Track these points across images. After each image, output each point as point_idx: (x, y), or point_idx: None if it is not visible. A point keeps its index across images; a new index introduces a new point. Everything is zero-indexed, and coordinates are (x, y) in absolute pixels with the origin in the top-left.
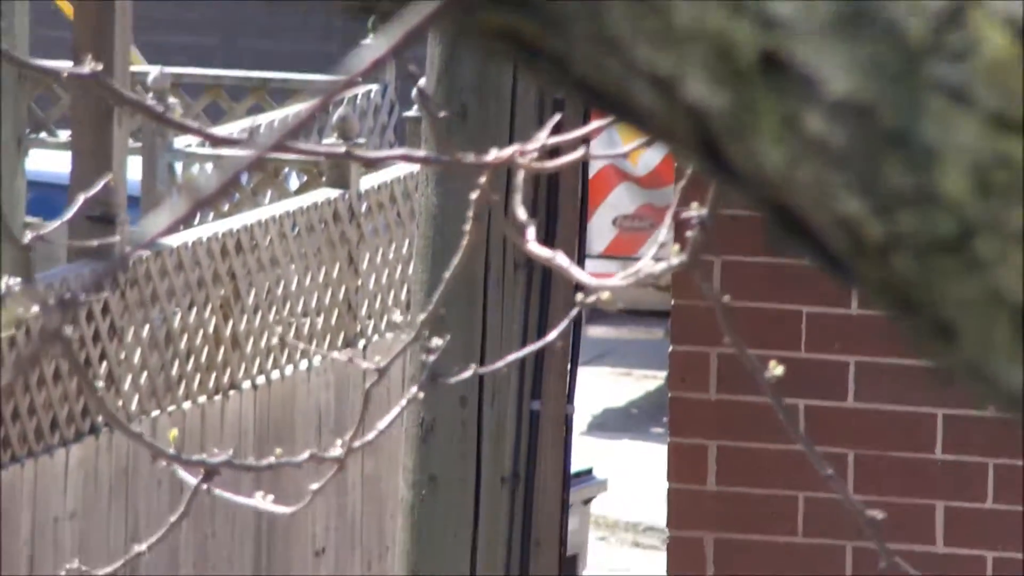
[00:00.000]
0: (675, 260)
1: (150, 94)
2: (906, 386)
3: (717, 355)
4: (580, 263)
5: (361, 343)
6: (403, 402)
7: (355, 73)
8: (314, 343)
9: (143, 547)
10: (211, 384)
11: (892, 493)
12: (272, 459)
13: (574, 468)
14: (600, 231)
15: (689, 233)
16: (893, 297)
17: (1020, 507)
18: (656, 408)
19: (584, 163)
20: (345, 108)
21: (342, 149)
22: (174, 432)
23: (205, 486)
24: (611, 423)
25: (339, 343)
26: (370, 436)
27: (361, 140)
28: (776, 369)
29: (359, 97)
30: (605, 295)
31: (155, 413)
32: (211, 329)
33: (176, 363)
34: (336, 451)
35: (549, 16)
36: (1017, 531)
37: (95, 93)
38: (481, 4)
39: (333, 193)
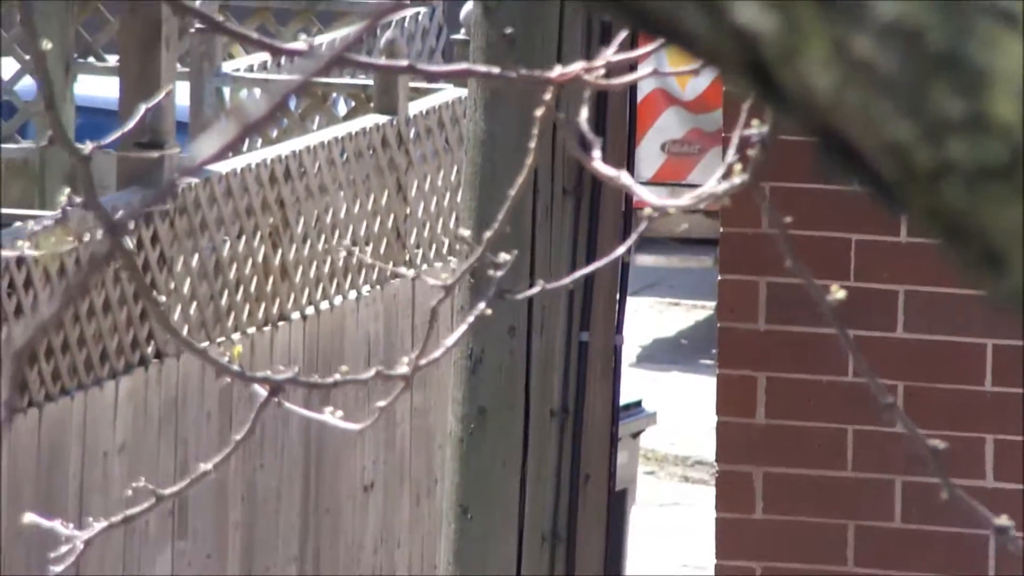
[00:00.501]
0: (737, 180)
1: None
2: (956, 316)
3: (766, 284)
4: (627, 201)
5: (411, 272)
6: (469, 318)
7: None
8: (363, 272)
9: (208, 466)
10: (260, 315)
11: (941, 427)
12: (336, 376)
13: (623, 400)
14: (648, 156)
15: (750, 152)
16: (942, 225)
17: None
18: (705, 339)
19: (632, 87)
20: (393, 31)
21: (403, 63)
22: (238, 348)
23: (275, 400)
24: (660, 354)
25: (388, 272)
26: (437, 354)
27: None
28: (838, 293)
29: (407, 20)
30: (671, 212)
31: (204, 344)
32: (260, 258)
33: (225, 294)
34: (402, 369)
35: None
36: None
37: (146, 16)
38: None
39: (381, 119)
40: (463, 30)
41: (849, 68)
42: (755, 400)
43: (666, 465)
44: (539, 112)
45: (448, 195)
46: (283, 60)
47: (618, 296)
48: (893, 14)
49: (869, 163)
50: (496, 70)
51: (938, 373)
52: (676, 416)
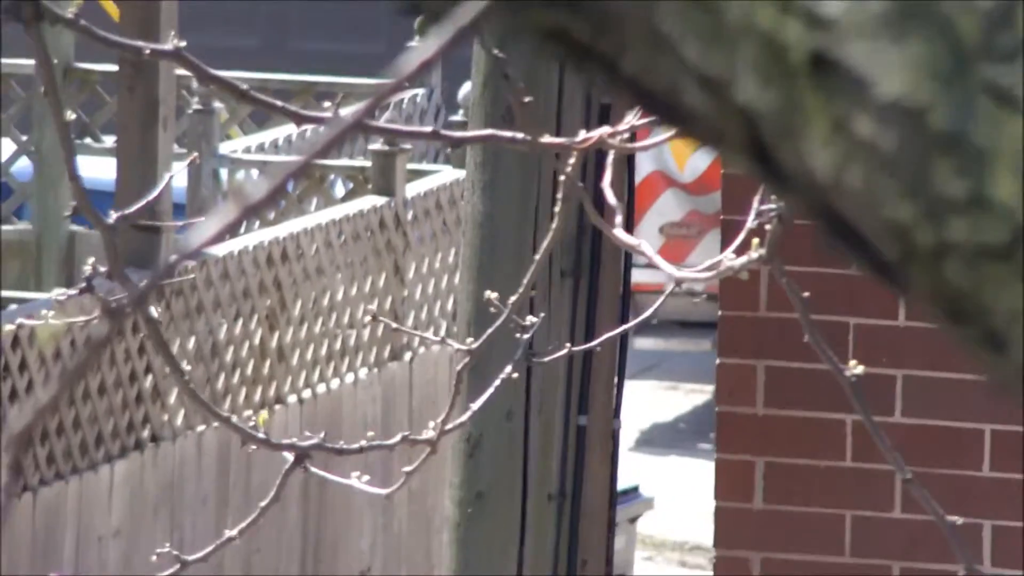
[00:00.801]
0: (755, 254)
1: (195, 98)
2: (954, 400)
3: (764, 368)
4: (627, 268)
5: (407, 355)
6: (496, 382)
7: (403, 75)
8: (360, 355)
9: (234, 532)
10: (257, 398)
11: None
12: (363, 442)
13: (620, 485)
14: (647, 238)
15: (768, 227)
16: (943, 305)
17: None
18: (704, 423)
19: (631, 166)
20: (391, 112)
21: (427, 129)
22: (264, 416)
23: (303, 467)
24: (658, 438)
25: (386, 355)
26: (463, 418)
27: (407, 146)
28: (856, 368)
29: (405, 101)
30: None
31: (200, 428)
32: (257, 341)
33: (222, 376)
34: (428, 433)
35: (599, 16)
36: None
37: (144, 96)
38: (530, 3)
39: (379, 200)
40: (461, 111)
41: (850, 147)
42: (753, 485)
43: (664, 550)
44: (562, 177)
45: (446, 277)
46: (281, 141)
47: (616, 379)
48: (894, 93)
49: (870, 243)
50: (520, 135)
51: (936, 458)
52: (674, 501)
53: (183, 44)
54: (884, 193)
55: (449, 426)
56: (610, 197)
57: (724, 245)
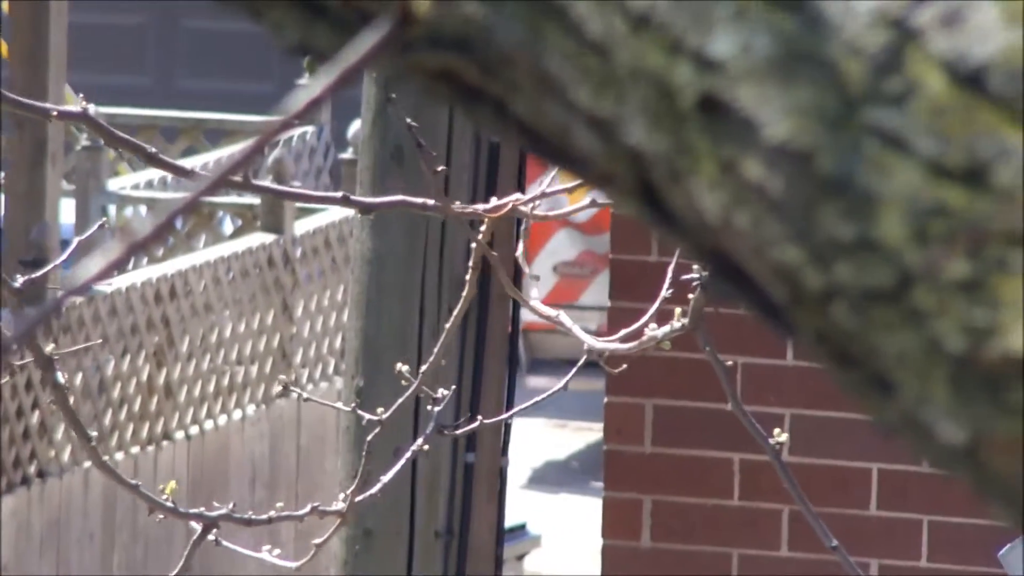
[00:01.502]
0: (677, 323)
1: (83, 134)
2: (841, 440)
3: (652, 407)
4: (515, 309)
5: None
6: (407, 454)
7: (292, 114)
8: (248, 392)
9: None
10: (144, 434)
11: (827, 551)
12: (272, 513)
13: (508, 523)
14: (541, 277)
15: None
16: (831, 348)
17: (955, 566)
18: (596, 462)
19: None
20: (280, 150)
21: (338, 195)
22: (172, 484)
23: (212, 537)
24: (547, 476)
25: (274, 392)
26: (374, 489)
27: (296, 183)
28: (781, 436)
29: (295, 139)
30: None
31: (87, 464)
32: (144, 377)
33: (109, 412)
34: (339, 505)
35: (488, 58)
36: None
37: (32, 134)
38: (420, 45)
39: (268, 238)
40: (351, 149)
41: (738, 190)
42: (641, 523)
43: None
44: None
45: (335, 314)
46: (170, 178)
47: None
48: (781, 136)
49: (758, 285)
50: (430, 201)
51: (824, 497)
52: (563, 538)
53: (91, 107)
54: (772, 236)
55: (359, 497)
56: (524, 267)
57: (613, 285)
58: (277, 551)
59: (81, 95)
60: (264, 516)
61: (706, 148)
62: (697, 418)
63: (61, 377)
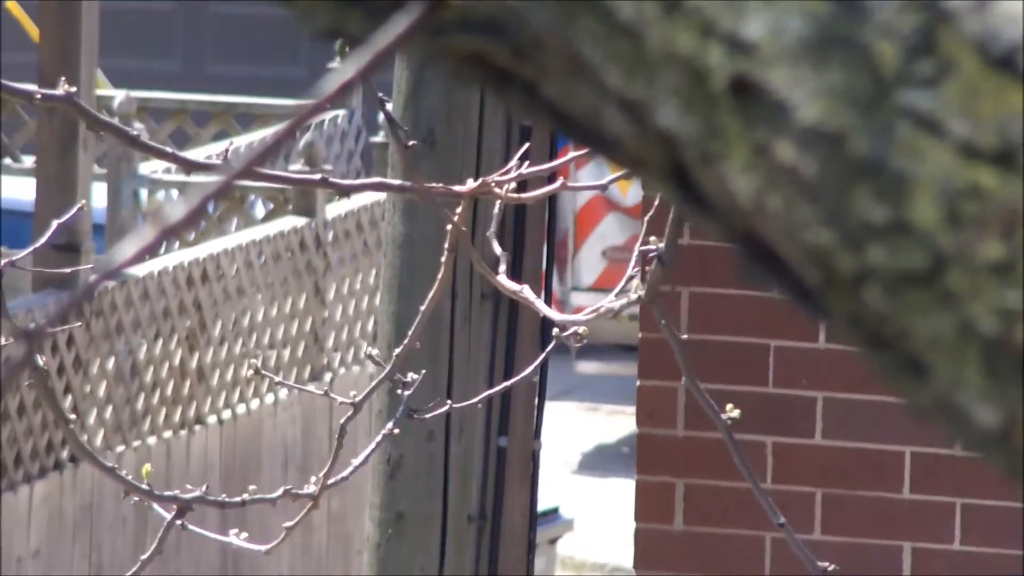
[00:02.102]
0: (634, 295)
1: (115, 119)
2: (874, 423)
3: (685, 390)
4: (547, 294)
5: (328, 376)
6: (377, 439)
7: (324, 97)
8: (280, 375)
9: None
10: (177, 418)
11: (859, 534)
12: (245, 496)
13: (541, 506)
14: (590, 263)
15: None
16: (863, 331)
17: (988, 549)
18: (626, 445)
19: (552, 203)
20: (312, 134)
21: (316, 176)
22: (148, 467)
23: (179, 522)
24: (579, 460)
25: (306, 376)
26: (345, 473)
27: (328, 166)
28: (733, 412)
29: (326, 123)
30: (582, 330)
31: (120, 448)
32: (177, 361)
33: (142, 397)
34: (310, 488)
35: (519, 41)
36: (986, 573)
37: (63, 117)
38: (451, 28)
39: (300, 221)
40: (382, 132)
41: (770, 172)
42: (674, 506)
43: (584, 571)
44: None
45: (367, 298)
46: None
47: (537, 401)
48: (814, 118)
49: (790, 269)
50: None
51: (856, 480)
52: (595, 522)
53: (73, 89)
54: (804, 218)
55: (331, 480)
56: (495, 248)
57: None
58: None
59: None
60: (237, 499)
61: (738, 131)
62: (731, 400)
63: (40, 360)
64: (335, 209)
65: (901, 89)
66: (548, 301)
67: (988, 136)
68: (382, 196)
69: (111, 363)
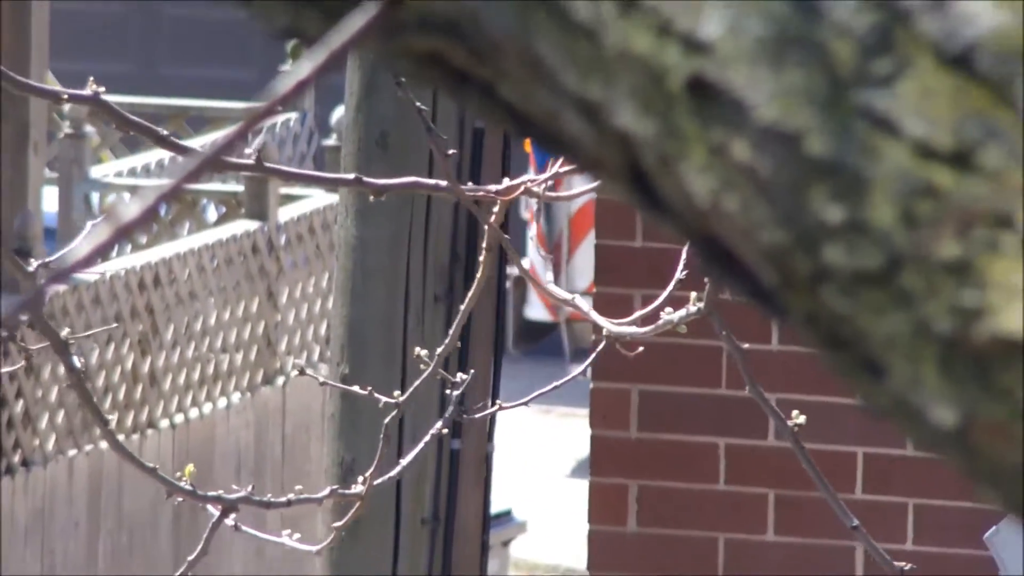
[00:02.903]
0: (693, 307)
1: (66, 122)
2: (827, 424)
3: (638, 392)
4: (500, 296)
5: (281, 380)
6: (426, 437)
7: (279, 98)
8: (233, 380)
9: None
10: (129, 423)
11: (811, 534)
12: (291, 496)
13: (494, 508)
14: (583, 268)
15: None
16: (820, 331)
17: (940, 549)
18: (579, 447)
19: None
20: (264, 136)
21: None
22: (190, 468)
23: (230, 521)
24: (533, 462)
25: (259, 379)
26: (393, 472)
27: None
28: (799, 418)
29: (278, 126)
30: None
31: (72, 452)
32: (129, 366)
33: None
34: (358, 488)
35: (478, 42)
36: (938, 573)
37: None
38: (408, 28)
39: (252, 225)
40: (334, 135)
41: (727, 173)
42: (627, 508)
43: (537, 573)
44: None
45: (319, 301)
46: (153, 165)
47: (490, 403)
48: (771, 117)
49: (747, 269)
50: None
51: (808, 481)
52: (548, 524)
53: (101, 89)
54: (761, 218)
55: (378, 481)
56: (536, 252)
57: (597, 270)
58: (297, 535)
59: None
60: (283, 499)
61: (695, 131)
62: (683, 403)
63: (77, 362)
64: (287, 213)
65: (858, 89)
66: (503, 293)
67: (944, 136)
68: (334, 199)
69: (62, 368)
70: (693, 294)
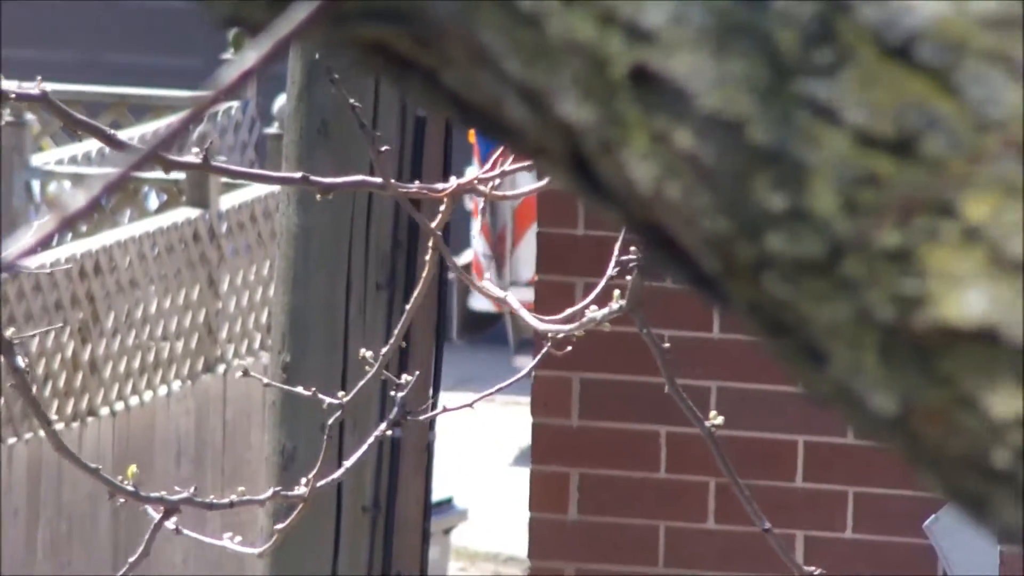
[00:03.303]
0: (615, 305)
1: (7, 110)
2: (767, 412)
3: (579, 380)
4: (442, 284)
5: (221, 368)
6: (372, 437)
7: (224, 87)
8: (173, 368)
9: None
10: (69, 411)
11: (753, 523)
12: (234, 497)
13: (435, 497)
14: (527, 259)
15: (628, 277)
16: (762, 319)
17: (880, 537)
18: (520, 435)
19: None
20: (206, 125)
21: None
22: (133, 468)
23: (170, 524)
24: (474, 450)
25: (199, 368)
26: (337, 475)
27: (222, 158)
28: (716, 419)
29: (219, 114)
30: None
31: (12, 441)
32: (69, 353)
33: (33, 389)
34: (300, 489)
35: (421, 30)
36: (877, 562)
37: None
38: (352, 16)
39: (193, 213)
40: (276, 124)
41: (670, 161)
42: (568, 496)
43: (478, 561)
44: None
45: (261, 289)
46: (95, 153)
47: (431, 392)
48: (713, 106)
49: (690, 257)
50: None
51: (749, 469)
52: (489, 512)
53: (49, 88)
54: (703, 206)
55: (320, 483)
56: (481, 247)
57: (539, 259)
58: (239, 538)
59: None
60: (225, 501)
61: (638, 119)
62: (624, 391)
63: (21, 361)
64: (229, 200)
65: (800, 78)
66: (444, 281)
67: (885, 124)
68: (276, 187)
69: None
70: (616, 292)
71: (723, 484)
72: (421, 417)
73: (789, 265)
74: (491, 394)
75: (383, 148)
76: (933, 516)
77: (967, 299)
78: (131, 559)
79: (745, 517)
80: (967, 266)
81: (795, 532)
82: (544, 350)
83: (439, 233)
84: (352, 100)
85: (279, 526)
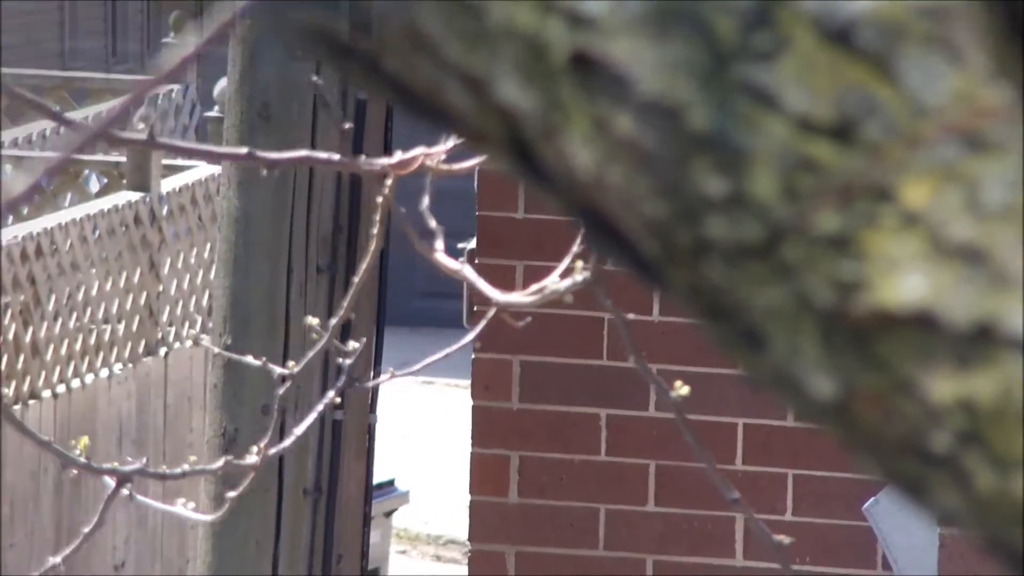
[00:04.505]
0: (579, 276)
1: None
2: (708, 395)
3: (520, 363)
4: (383, 266)
5: (163, 351)
6: (319, 406)
7: (167, 71)
8: (115, 350)
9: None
10: (11, 393)
11: (693, 505)
12: (186, 466)
13: (376, 479)
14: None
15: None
16: (702, 303)
17: (819, 519)
18: (461, 418)
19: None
20: (147, 108)
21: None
22: (85, 440)
23: (126, 492)
24: (415, 433)
25: (140, 350)
26: (287, 443)
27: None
28: (682, 389)
29: (160, 97)
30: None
31: None
32: (11, 336)
33: None
34: (251, 458)
35: (360, 16)
36: (817, 544)
37: None
38: (292, 3)
39: (134, 196)
40: (216, 107)
41: (610, 146)
42: (508, 479)
43: (419, 544)
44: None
45: (201, 272)
46: (34, 136)
47: (372, 374)
48: (653, 92)
49: (630, 241)
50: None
51: (689, 452)
52: (430, 495)
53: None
54: (643, 191)
55: (273, 450)
56: (429, 221)
57: (480, 241)
58: (192, 504)
59: None
60: (178, 470)
61: (578, 104)
62: (564, 374)
63: None
64: (170, 184)
65: (739, 63)
66: (385, 264)
67: (825, 110)
68: (217, 170)
69: None
70: (579, 264)
71: (663, 467)
72: (367, 384)
73: (728, 250)
74: (430, 364)
75: (346, 125)
76: (873, 499)
77: (905, 284)
78: (85, 530)
79: (685, 500)
80: (905, 251)
81: (735, 515)
82: (483, 322)
83: (400, 207)
84: (293, 82)
85: (231, 494)
